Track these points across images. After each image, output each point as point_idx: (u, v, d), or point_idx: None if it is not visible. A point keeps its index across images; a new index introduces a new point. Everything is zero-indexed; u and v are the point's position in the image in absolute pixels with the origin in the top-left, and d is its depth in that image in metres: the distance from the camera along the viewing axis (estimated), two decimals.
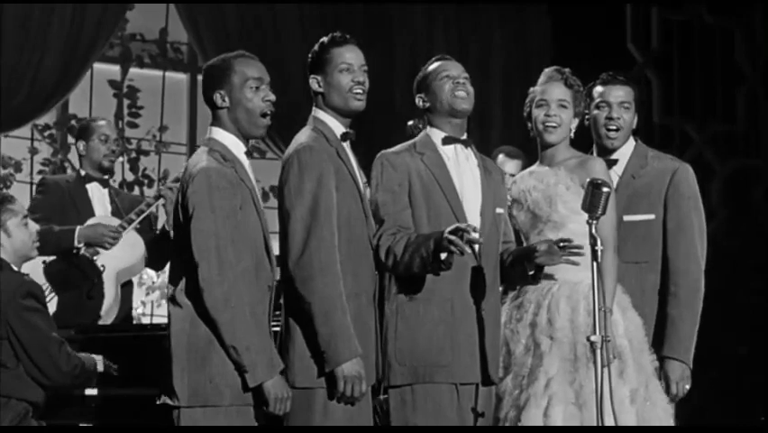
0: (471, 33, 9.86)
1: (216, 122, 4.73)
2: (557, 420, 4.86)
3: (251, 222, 4.62)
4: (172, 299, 4.62)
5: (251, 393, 4.57)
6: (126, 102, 9.51)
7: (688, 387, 5.33)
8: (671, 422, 5.17)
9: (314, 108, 5.00)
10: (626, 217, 5.36)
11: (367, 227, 4.94)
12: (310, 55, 5.00)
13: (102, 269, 6.57)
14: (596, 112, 5.48)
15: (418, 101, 5.19)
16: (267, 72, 4.75)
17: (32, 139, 9.23)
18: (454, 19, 9.85)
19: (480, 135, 8.84)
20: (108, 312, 6.56)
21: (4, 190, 8.93)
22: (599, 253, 4.45)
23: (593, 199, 4.50)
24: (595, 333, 4.42)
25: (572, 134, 5.31)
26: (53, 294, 6.48)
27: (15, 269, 5.28)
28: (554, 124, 5.22)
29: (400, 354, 4.96)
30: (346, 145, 4.98)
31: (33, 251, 5.39)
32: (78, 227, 6.56)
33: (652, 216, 5.39)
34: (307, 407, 4.75)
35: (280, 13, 9.37)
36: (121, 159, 9.09)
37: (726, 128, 8.90)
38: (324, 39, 4.98)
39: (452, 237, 4.69)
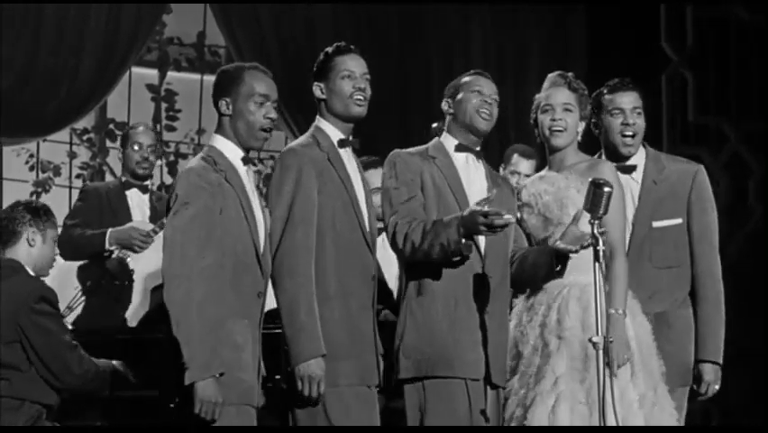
0: (507, 34, 9.83)
1: (219, 128, 4.82)
2: (564, 419, 4.86)
3: (232, 226, 4.66)
4: None
5: (252, 393, 4.64)
6: (164, 105, 9.61)
7: (717, 387, 5.42)
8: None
9: (317, 116, 5.12)
10: (656, 224, 5.41)
11: (363, 233, 5.00)
12: (315, 64, 5.12)
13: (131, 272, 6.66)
14: (609, 119, 5.47)
15: (444, 104, 5.31)
16: (275, 90, 4.82)
17: (71, 143, 9.35)
18: (490, 19, 9.83)
19: (516, 137, 8.81)
20: (134, 316, 6.62)
21: (44, 194, 9.07)
22: (602, 253, 4.45)
23: (594, 199, 4.51)
24: (597, 333, 4.42)
25: (579, 138, 5.31)
26: (83, 297, 6.56)
27: (32, 274, 5.34)
28: (560, 128, 5.23)
29: (406, 348, 5.06)
30: (345, 152, 5.07)
31: (49, 269, 5.48)
32: (110, 230, 6.66)
33: (679, 221, 5.44)
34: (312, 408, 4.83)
35: (315, 15, 9.39)
36: (159, 162, 9.24)
37: (763, 126, 8.79)
38: (329, 48, 5.11)
39: (484, 219, 4.74)
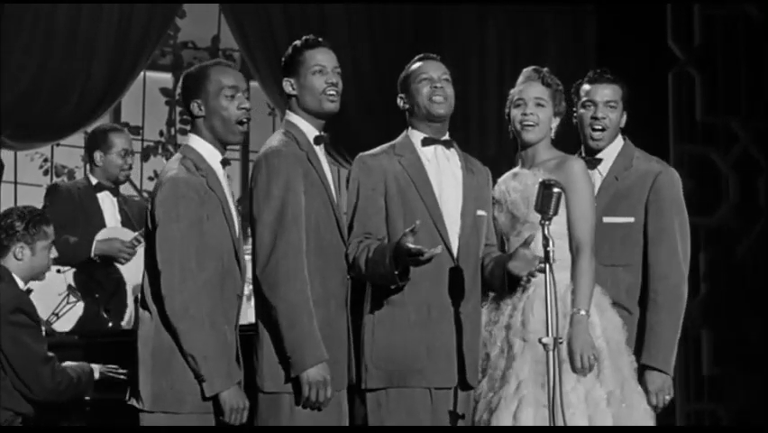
0: (523, 34, 9.78)
1: (194, 130, 4.79)
2: (527, 423, 4.83)
3: (218, 232, 4.66)
4: (142, 304, 4.69)
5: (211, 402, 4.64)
6: (178, 109, 9.68)
7: (669, 397, 5.20)
8: (651, 424, 5.10)
9: (287, 111, 5.04)
10: (606, 219, 5.27)
11: (339, 231, 4.96)
12: (283, 58, 5.05)
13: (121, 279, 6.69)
14: (582, 111, 5.41)
15: (399, 101, 5.19)
16: (243, 80, 4.79)
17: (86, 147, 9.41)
18: (505, 19, 9.79)
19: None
20: (129, 324, 6.63)
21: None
22: (552, 254, 4.44)
23: (544, 200, 4.50)
24: (548, 334, 4.41)
25: (553, 134, 5.27)
26: (69, 305, 6.59)
27: (20, 284, 5.35)
28: (532, 123, 5.19)
29: (376, 357, 4.97)
30: (319, 149, 5.01)
31: (43, 276, 5.50)
32: (95, 241, 6.65)
33: (631, 219, 5.29)
34: (275, 412, 4.80)
35: (328, 16, 9.41)
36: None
37: None
38: (297, 42, 5.02)
39: (411, 260, 4.70)
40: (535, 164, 5.20)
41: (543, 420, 4.81)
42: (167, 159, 9.50)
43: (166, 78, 9.65)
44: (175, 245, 4.55)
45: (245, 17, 9.19)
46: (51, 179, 9.24)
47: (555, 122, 5.25)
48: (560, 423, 4.37)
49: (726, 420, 8.56)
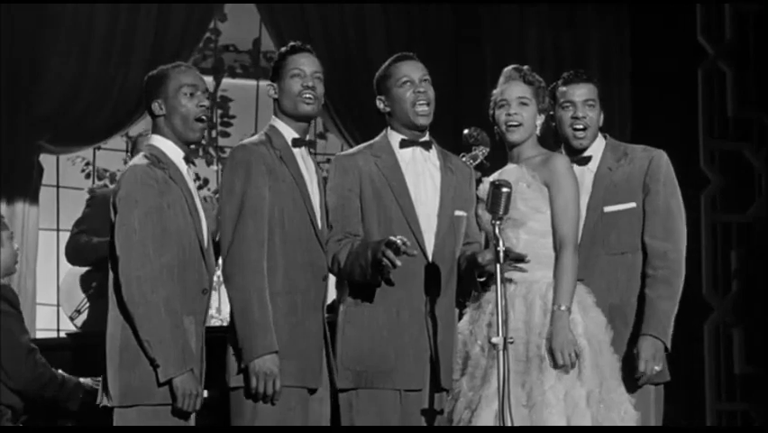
0: (564, 34, 9.71)
1: (156, 129, 4.91)
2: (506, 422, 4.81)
3: (180, 222, 4.76)
4: (111, 299, 4.79)
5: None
6: (219, 111, 9.80)
7: (658, 368, 5.16)
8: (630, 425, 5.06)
9: (272, 116, 5.15)
10: (607, 209, 5.30)
11: (315, 232, 5.02)
12: (271, 64, 5.17)
13: None
14: (561, 112, 5.40)
15: (379, 103, 5.21)
16: (203, 80, 4.95)
17: (127, 150, 9.55)
18: (547, 18, 9.74)
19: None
20: None
21: None
22: (501, 254, 4.45)
23: (494, 199, 4.54)
24: (498, 334, 4.41)
25: (539, 132, 5.26)
26: (87, 303, 6.75)
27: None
28: (516, 123, 5.18)
29: (347, 358, 5.02)
30: (300, 151, 5.08)
31: (15, 266, 5.64)
32: None
33: (633, 205, 5.31)
34: (240, 407, 4.86)
35: (365, 16, 9.46)
36: (215, 168, 9.43)
37: None
38: (283, 48, 5.13)
39: (387, 250, 4.76)
40: (521, 162, 5.20)
41: (521, 419, 4.79)
42: (207, 162, 9.65)
43: (207, 81, 9.71)
44: (132, 231, 4.66)
45: (282, 19, 9.29)
46: (93, 182, 9.41)
47: (540, 119, 5.24)
48: (508, 423, 4.36)
49: (759, 420, 8.44)
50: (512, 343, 4.48)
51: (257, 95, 9.82)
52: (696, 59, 8.69)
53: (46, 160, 8.77)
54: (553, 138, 5.47)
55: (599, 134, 5.45)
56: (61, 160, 9.21)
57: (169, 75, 4.90)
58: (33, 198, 8.59)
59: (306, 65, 5.06)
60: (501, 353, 4.38)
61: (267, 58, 9.92)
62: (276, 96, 5.09)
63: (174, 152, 4.86)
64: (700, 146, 8.59)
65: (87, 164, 9.47)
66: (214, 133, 9.66)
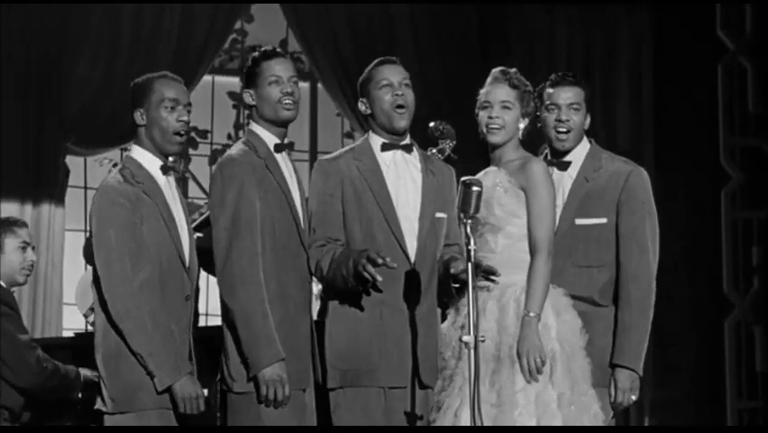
0: (592, 32, 9.66)
1: (136, 139, 4.99)
2: (467, 423, 4.83)
3: (155, 235, 4.83)
4: (97, 310, 4.90)
5: (167, 396, 4.79)
6: (245, 112, 9.87)
7: (635, 397, 5.24)
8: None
9: (249, 121, 5.22)
10: (579, 221, 5.30)
11: (299, 236, 5.09)
12: (244, 70, 5.21)
13: None
14: (546, 114, 5.41)
15: (361, 105, 5.27)
16: (186, 95, 4.98)
17: None
18: (577, 17, 9.69)
19: (605, 136, 8.74)
20: None
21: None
22: (473, 253, 4.47)
23: (465, 198, 4.57)
24: (470, 333, 4.44)
25: (521, 135, 5.26)
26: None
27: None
28: (497, 126, 5.18)
29: (333, 357, 5.10)
30: (282, 156, 5.15)
31: (20, 276, 5.75)
32: None
33: (604, 220, 5.31)
34: (244, 411, 4.97)
35: (392, 16, 9.48)
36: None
37: None
38: (255, 54, 5.18)
39: (367, 265, 4.83)
40: (501, 164, 5.22)
41: (488, 420, 4.80)
42: None
43: (233, 81, 9.82)
44: (110, 249, 4.76)
45: (307, 20, 9.35)
46: None
47: (524, 123, 5.23)
48: (478, 422, 4.38)
49: None
50: (483, 342, 4.50)
51: None
52: (716, 55, 8.63)
53: (73, 161, 8.90)
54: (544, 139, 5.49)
55: (585, 138, 5.44)
56: (88, 161, 9.31)
57: (152, 86, 4.95)
58: (60, 199, 8.76)
59: (282, 71, 5.12)
60: (472, 351, 4.39)
61: (294, 58, 9.98)
62: (254, 104, 5.14)
63: (151, 163, 4.92)
64: (720, 142, 8.51)
65: (114, 165, 9.52)
66: (240, 134, 9.72)
